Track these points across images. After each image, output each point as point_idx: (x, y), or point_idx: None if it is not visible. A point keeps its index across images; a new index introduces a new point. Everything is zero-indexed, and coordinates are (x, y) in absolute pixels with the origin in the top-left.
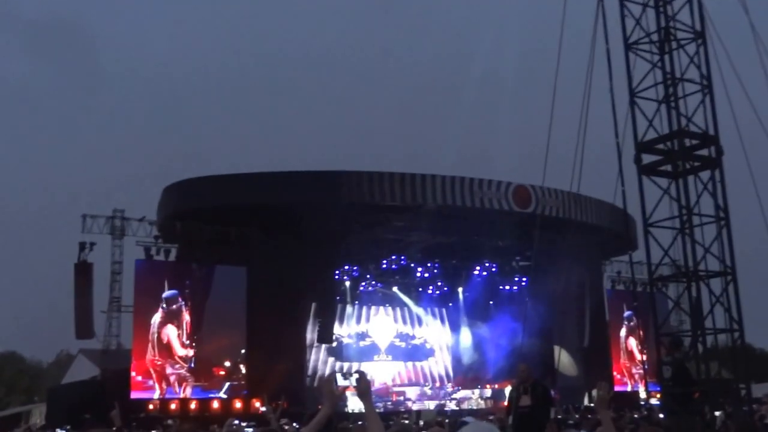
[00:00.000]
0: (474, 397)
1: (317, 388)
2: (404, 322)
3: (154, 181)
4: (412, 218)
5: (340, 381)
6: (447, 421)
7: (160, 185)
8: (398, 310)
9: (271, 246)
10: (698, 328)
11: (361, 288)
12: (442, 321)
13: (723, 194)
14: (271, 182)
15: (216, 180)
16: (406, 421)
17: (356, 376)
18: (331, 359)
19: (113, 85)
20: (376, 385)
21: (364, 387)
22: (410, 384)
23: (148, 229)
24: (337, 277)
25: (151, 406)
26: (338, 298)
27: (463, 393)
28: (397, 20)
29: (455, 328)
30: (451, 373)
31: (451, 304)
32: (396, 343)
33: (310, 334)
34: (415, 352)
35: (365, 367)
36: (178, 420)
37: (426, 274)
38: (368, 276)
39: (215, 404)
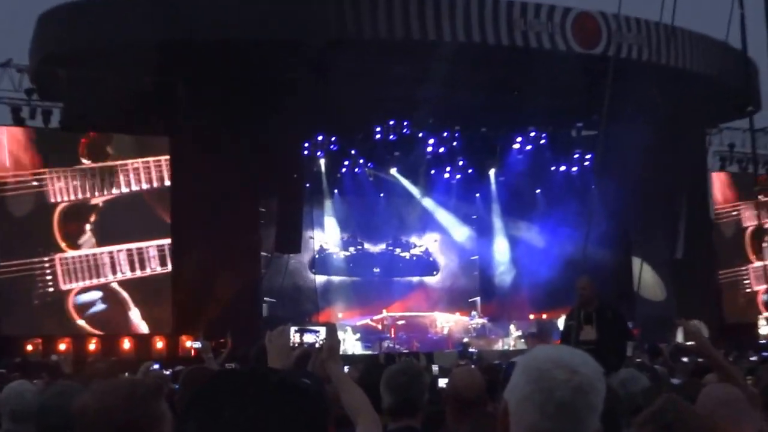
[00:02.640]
0: (512, 334)
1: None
2: (405, 223)
3: (24, 5)
4: (421, 63)
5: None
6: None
7: (34, 12)
8: (398, 203)
9: (206, 106)
10: None
11: (343, 170)
12: (464, 220)
13: None
14: (205, 7)
15: (120, 5)
16: None
17: (324, 332)
18: (309, 277)
19: None
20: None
21: (331, 346)
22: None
23: (15, 79)
24: (306, 152)
25: (30, 347)
26: (308, 185)
27: (494, 326)
28: None
29: (484, 230)
30: (478, 300)
31: (477, 195)
32: (398, 253)
33: (270, 239)
34: (420, 267)
35: (358, 287)
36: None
37: (440, 149)
38: (354, 151)
39: (126, 344)
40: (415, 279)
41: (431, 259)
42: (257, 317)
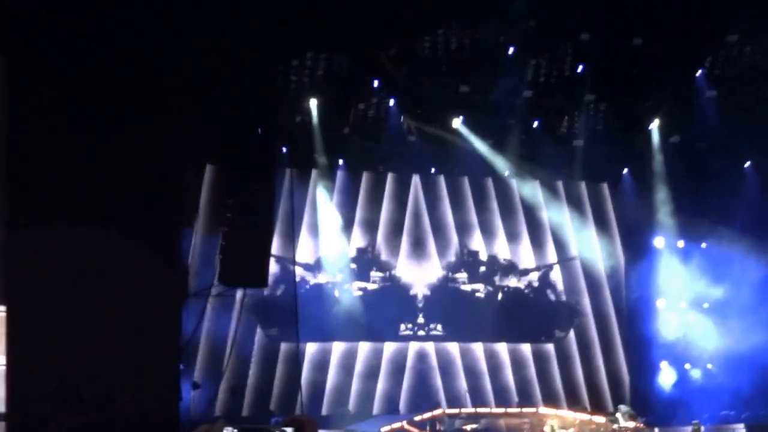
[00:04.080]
0: None
1: None
2: (481, 225)
3: None
4: None
5: None
6: None
7: None
8: (463, 189)
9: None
10: None
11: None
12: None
13: None
14: None
15: None
16: None
17: None
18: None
19: None
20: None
21: None
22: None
23: None
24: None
25: None
26: (284, 150)
27: None
28: None
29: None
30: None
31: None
32: (459, 285)
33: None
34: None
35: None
36: None
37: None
38: (379, 80)
39: None
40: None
41: (552, 297)
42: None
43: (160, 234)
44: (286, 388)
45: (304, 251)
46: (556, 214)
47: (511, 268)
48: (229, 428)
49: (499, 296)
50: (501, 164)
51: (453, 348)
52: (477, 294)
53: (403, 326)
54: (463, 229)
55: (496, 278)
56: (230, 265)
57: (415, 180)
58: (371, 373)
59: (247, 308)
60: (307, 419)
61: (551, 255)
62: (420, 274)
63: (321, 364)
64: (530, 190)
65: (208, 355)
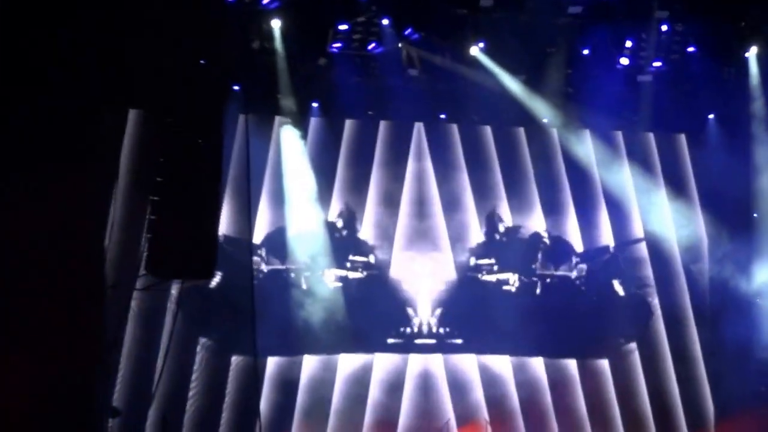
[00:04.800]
0: None
1: None
2: (510, 192)
3: None
4: None
5: None
6: None
7: None
8: (484, 142)
9: None
10: None
11: (335, 48)
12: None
13: None
14: None
15: None
16: None
17: None
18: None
19: None
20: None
21: None
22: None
23: None
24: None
25: None
26: (236, 87)
27: None
28: None
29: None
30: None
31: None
32: (480, 275)
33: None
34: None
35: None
36: None
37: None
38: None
39: None
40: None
41: (612, 291)
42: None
43: (63, 203)
44: (238, 417)
45: (263, 229)
46: (614, 176)
47: (552, 252)
48: None
49: (537, 290)
50: (537, 108)
51: (470, 364)
52: (505, 287)
53: (398, 332)
54: (484, 198)
55: (534, 265)
56: (162, 248)
57: (418, 130)
58: (355, 399)
59: (185, 308)
60: None
61: (607, 232)
62: (424, 260)
63: (287, 386)
64: (578, 143)
65: (131, 372)
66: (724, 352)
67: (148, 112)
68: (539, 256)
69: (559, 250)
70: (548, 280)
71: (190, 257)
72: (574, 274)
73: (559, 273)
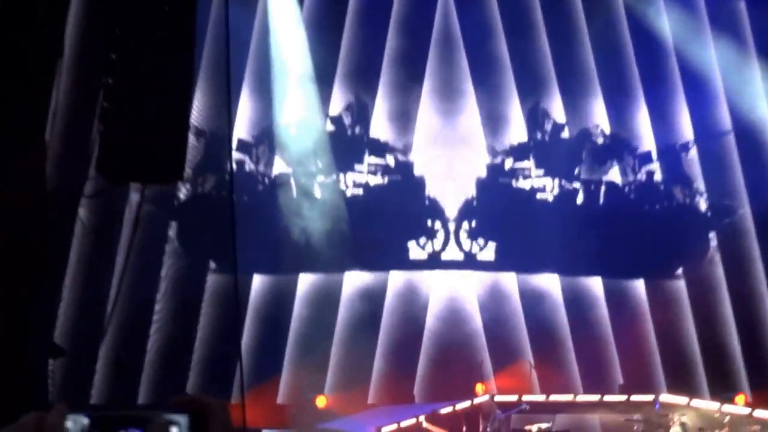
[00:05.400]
0: None
1: None
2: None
3: None
4: None
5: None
6: None
7: None
8: (526, 4)
9: None
10: None
11: None
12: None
13: None
14: None
15: None
16: None
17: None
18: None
19: None
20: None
21: None
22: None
23: None
24: None
25: None
26: None
27: None
28: None
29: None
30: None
31: None
32: (521, 178)
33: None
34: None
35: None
36: None
37: None
38: None
39: None
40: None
41: (687, 199)
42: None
43: None
44: (213, 353)
45: (245, 120)
46: (695, 51)
47: (604, 152)
48: (75, 417)
49: (579, 198)
50: None
51: (508, 283)
52: (540, 195)
53: (418, 245)
54: (528, 80)
55: (577, 169)
56: (118, 143)
57: None
58: (364, 328)
59: (148, 218)
60: (212, 402)
61: (684, 123)
62: (451, 159)
63: (276, 311)
64: (650, 10)
65: (78, 299)
66: None
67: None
68: (585, 157)
69: (614, 149)
70: (593, 186)
71: (153, 154)
72: (631, 178)
73: (608, 178)
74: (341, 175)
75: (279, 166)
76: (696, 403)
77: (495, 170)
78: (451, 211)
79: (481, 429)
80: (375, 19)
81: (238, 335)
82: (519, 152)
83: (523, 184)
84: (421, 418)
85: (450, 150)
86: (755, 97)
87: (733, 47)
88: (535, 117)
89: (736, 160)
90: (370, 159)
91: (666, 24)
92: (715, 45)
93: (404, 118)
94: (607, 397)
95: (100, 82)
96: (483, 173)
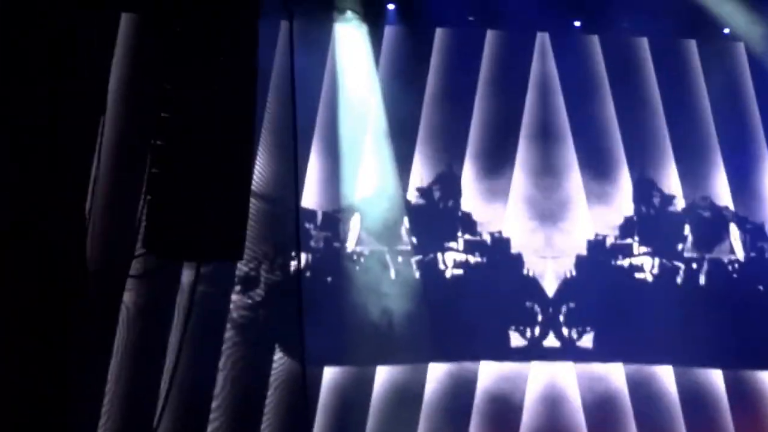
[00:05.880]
0: None
1: None
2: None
3: None
4: None
5: None
6: None
7: None
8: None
9: None
10: None
11: None
12: None
13: None
14: None
15: None
16: None
17: None
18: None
19: None
20: None
21: None
22: None
23: None
24: None
25: None
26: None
27: None
28: None
29: None
30: None
31: None
32: (632, 260)
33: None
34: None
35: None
36: None
37: None
38: None
39: None
40: None
41: None
42: None
43: (32, 150)
44: None
45: (316, 186)
46: None
47: (712, 227)
48: None
49: (678, 278)
50: (720, 10)
51: (615, 376)
52: (638, 275)
53: (517, 334)
54: (637, 146)
55: (681, 246)
56: (169, 217)
57: (541, 42)
58: (452, 425)
59: (203, 301)
60: None
61: None
62: (550, 233)
63: (350, 406)
64: None
65: (122, 395)
66: None
67: (147, 16)
68: (690, 232)
69: (726, 221)
70: (694, 265)
71: (209, 228)
72: (740, 257)
73: (714, 256)
74: (438, 254)
75: (356, 242)
76: None
77: (596, 246)
78: (550, 292)
79: None
80: (461, 75)
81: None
82: (622, 227)
83: (622, 262)
84: None
85: (547, 222)
86: None
87: None
88: (643, 189)
89: None
90: (463, 236)
91: None
92: None
93: (496, 188)
94: None
95: (148, 144)
96: (583, 248)
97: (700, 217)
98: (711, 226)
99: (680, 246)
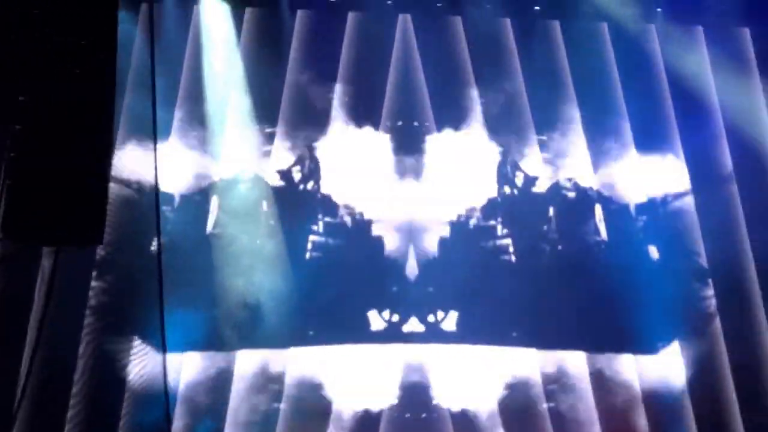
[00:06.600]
0: None
1: None
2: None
3: None
4: None
5: None
6: None
7: None
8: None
9: None
10: None
11: None
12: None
13: None
14: None
15: None
16: None
17: None
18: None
19: None
20: None
21: None
22: None
23: None
24: None
25: None
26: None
27: None
28: None
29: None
30: None
31: None
32: (493, 241)
33: None
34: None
35: None
36: None
37: None
38: None
39: None
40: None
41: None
42: None
43: None
44: None
45: (176, 171)
46: (691, 83)
47: (578, 207)
48: None
49: (545, 259)
50: None
51: (477, 360)
52: (504, 257)
53: (378, 316)
54: (499, 126)
55: (545, 227)
56: (27, 201)
57: (403, 24)
58: (311, 411)
59: (63, 286)
60: None
61: (682, 169)
62: (412, 215)
63: (210, 392)
64: (641, 42)
65: None
66: None
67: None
68: (554, 213)
69: (593, 202)
70: (559, 246)
71: (68, 213)
72: (607, 237)
73: (579, 237)
74: (297, 237)
75: (214, 225)
76: None
77: (459, 228)
78: (412, 276)
79: None
80: (323, 57)
81: (167, 425)
82: (485, 208)
83: (487, 243)
84: None
85: (411, 204)
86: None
87: (737, 81)
88: (504, 170)
89: (739, 210)
90: (323, 218)
91: (659, 54)
92: (715, 77)
93: (359, 169)
94: None
95: (5, 129)
96: (446, 229)
97: (564, 198)
98: (575, 208)
99: (545, 227)
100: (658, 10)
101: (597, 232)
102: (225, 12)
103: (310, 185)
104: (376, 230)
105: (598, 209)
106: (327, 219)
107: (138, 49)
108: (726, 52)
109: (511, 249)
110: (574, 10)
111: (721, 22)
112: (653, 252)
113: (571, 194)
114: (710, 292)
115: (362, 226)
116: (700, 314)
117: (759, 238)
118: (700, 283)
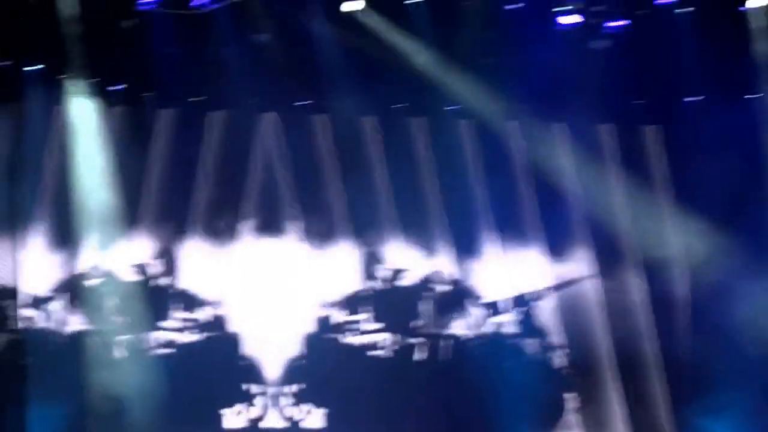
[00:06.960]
0: None
1: None
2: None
3: None
4: None
5: None
6: None
7: None
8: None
9: None
10: None
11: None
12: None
13: None
14: None
15: None
16: None
17: None
18: None
19: None
20: None
21: None
22: None
23: None
24: None
25: None
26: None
27: None
28: None
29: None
30: None
31: None
32: (357, 336)
33: None
34: None
35: None
36: None
37: None
38: None
39: None
40: None
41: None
42: None
43: None
44: None
45: (40, 269)
46: (549, 179)
47: (447, 302)
48: None
49: (415, 355)
50: (443, 89)
51: None
52: (371, 353)
53: (233, 412)
54: (364, 222)
55: (414, 323)
56: None
57: (267, 123)
58: None
59: None
60: None
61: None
62: (273, 312)
63: None
64: (504, 139)
65: None
66: None
67: None
68: (423, 308)
69: (459, 297)
70: (430, 341)
71: None
72: (473, 333)
73: (449, 332)
74: (146, 333)
75: (76, 324)
76: None
77: (324, 324)
78: (272, 372)
79: None
80: (185, 154)
81: None
82: (351, 303)
83: (354, 339)
84: None
85: (272, 301)
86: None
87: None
88: (370, 264)
89: (596, 307)
90: (178, 314)
91: (523, 153)
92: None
93: (218, 264)
94: None
95: None
96: (311, 325)
97: (433, 291)
98: (442, 301)
99: (413, 322)
100: (522, 107)
101: (468, 326)
102: (90, 109)
103: (166, 281)
104: (232, 327)
105: (467, 303)
106: (180, 314)
107: (4, 148)
108: (588, 148)
109: (379, 344)
110: (437, 108)
111: (584, 118)
112: (520, 346)
113: (439, 288)
114: (571, 387)
115: (218, 323)
116: (561, 408)
117: (618, 335)
118: (561, 377)
